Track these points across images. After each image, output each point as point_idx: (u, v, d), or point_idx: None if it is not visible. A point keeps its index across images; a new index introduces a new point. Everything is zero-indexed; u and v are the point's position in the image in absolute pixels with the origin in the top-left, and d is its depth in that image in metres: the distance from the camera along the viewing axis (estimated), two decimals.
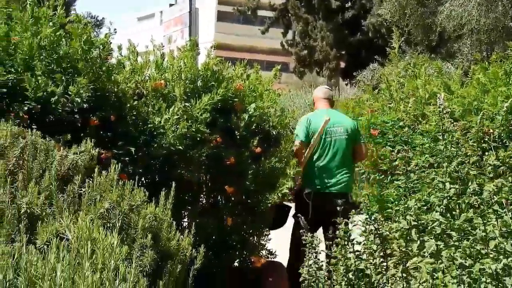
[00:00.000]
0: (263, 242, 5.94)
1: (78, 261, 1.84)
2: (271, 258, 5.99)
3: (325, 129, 5.99)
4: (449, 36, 19.89)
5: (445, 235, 3.44)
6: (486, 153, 4.50)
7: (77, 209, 2.92)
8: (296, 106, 17.22)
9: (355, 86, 23.77)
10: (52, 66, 4.65)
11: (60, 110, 4.42)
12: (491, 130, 4.98)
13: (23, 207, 2.67)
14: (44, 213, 2.75)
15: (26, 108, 4.35)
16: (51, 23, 4.75)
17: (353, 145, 6.45)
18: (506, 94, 5.48)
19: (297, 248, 5.97)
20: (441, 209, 3.57)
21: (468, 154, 4.07)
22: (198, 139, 4.99)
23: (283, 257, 6.17)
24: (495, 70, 6.31)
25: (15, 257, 1.73)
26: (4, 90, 4.38)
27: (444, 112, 3.93)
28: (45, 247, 2.34)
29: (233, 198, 5.55)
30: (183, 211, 5.16)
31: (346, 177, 6.31)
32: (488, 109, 5.59)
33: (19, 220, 2.52)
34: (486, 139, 4.69)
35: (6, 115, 4.04)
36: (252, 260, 5.58)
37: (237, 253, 5.70)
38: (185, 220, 5.23)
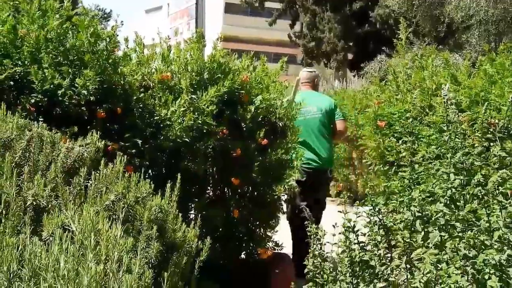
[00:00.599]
0: (269, 234, 5.95)
1: (82, 253, 1.86)
2: (277, 250, 6.00)
3: (299, 110, 6.14)
4: (457, 27, 19.84)
5: (449, 226, 3.44)
6: (492, 144, 4.49)
7: (83, 201, 2.93)
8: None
9: (362, 78, 23.73)
10: (59, 58, 4.66)
11: (67, 103, 4.44)
12: (497, 121, 4.97)
13: (29, 199, 2.69)
14: (50, 205, 2.77)
15: (33, 101, 4.37)
16: (57, 16, 4.76)
17: (330, 122, 7.17)
18: None
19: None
20: (445, 200, 3.57)
21: (474, 145, 4.07)
22: (205, 131, 5.00)
23: (290, 249, 6.18)
24: (502, 61, 6.28)
25: (19, 248, 1.75)
26: (11, 82, 4.40)
27: (449, 103, 3.92)
28: (51, 239, 2.36)
29: (239, 190, 5.56)
30: (189, 203, 5.17)
31: (323, 153, 7.06)
32: (495, 100, 5.58)
33: (25, 212, 2.53)
34: (492, 130, 4.68)
35: (13, 108, 4.06)
36: (259, 252, 5.59)
37: (243, 245, 5.71)
38: (192, 212, 5.25)
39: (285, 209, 6.07)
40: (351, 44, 33.50)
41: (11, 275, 1.64)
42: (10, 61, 4.39)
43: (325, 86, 22.17)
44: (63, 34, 4.72)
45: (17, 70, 4.43)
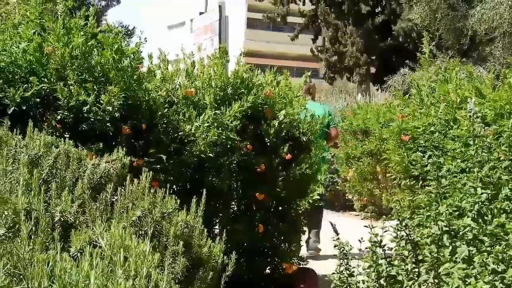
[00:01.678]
0: (294, 248, 5.94)
1: (111, 269, 1.87)
2: (302, 265, 5.98)
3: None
4: (480, 40, 19.71)
5: (477, 241, 3.41)
6: None
7: (109, 217, 2.95)
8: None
9: (385, 91, 23.66)
10: (84, 75, 4.71)
11: (92, 119, 4.47)
12: None
13: (56, 216, 2.71)
14: (77, 221, 2.79)
15: (59, 117, 4.42)
16: (82, 33, 4.81)
17: (326, 128, 8.02)
18: None
19: None
20: (473, 214, 3.54)
21: (500, 158, 4.04)
22: (229, 146, 5.02)
23: (314, 264, 6.16)
24: None
25: (50, 264, 1.76)
26: (38, 99, 4.45)
27: (475, 116, 3.90)
28: (78, 254, 2.38)
29: (264, 205, 5.56)
30: (214, 218, 5.18)
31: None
32: None
33: (53, 228, 2.56)
34: None
35: (39, 125, 4.10)
36: (284, 266, 5.58)
37: (268, 259, 5.70)
38: (216, 227, 5.26)
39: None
40: (373, 58, 33.43)
41: None
42: (36, 78, 4.44)
43: (348, 99, 22.13)
44: (88, 51, 4.77)
45: (43, 87, 4.48)
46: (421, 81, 7.64)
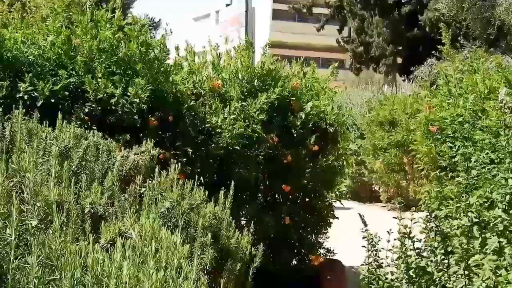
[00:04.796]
0: (321, 240, 5.94)
1: (142, 260, 1.88)
2: (329, 256, 5.98)
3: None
4: (508, 29, 19.47)
5: (508, 232, 3.38)
6: None
7: (138, 208, 2.97)
8: (352, 103, 17.11)
9: (412, 82, 23.48)
10: (112, 68, 4.74)
11: (120, 111, 4.50)
12: None
13: (86, 207, 2.74)
14: (107, 213, 2.81)
15: (87, 110, 4.46)
16: (109, 26, 4.83)
17: None
18: None
19: None
20: (504, 206, 3.50)
21: None
22: (255, 138, 5.02)
23: (341, 255, 6.15)
24: None
25: (82, 255, 1.78)
26: (66, 93, 4.49)
27: (506, 107, 3.86)
28: (108, 245, 2.40)
29: (290, 197, 5.56)
30: (241, 210, 5.19)
31: None
32: None
33: (83, 219, 2.58)
34: None
35: (68, 117, 4.14)
36: (311, 258, 5.58)
37: (295, 251, 5.71)
38: (243, 218, 5.27)
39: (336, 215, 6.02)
40: (400, 48, 33.23)
41: (75, 282, 1.68)
42: (65, 72, 4.48)
43: (374, 91, 22.00)
44: (116, 44, 4.80)
45: (71, 81, 4.52)
46: (448, 71, 7.56)
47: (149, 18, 36.11)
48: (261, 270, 3.73)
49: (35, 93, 4.35)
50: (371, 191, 14.55)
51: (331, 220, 5.96)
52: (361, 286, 3.72)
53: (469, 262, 3.32)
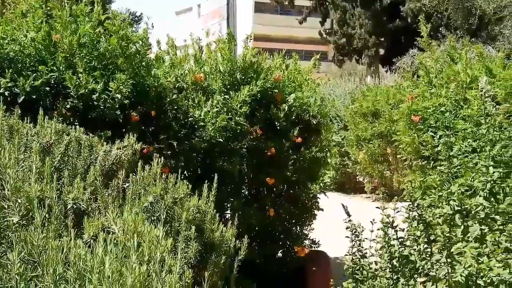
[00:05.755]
0: (306, 232, 5.95)
1: (125, 254, 1.88)
2: (314, 247, 5.99)
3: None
4: (489, 19, 19.60)
5: (489, 219, 3.41)
6: None
7: (121, 203, 2.96)
8: (336, 95, 17.13)
9: (395, 73, 23.60)
10: (93, 63, 4.71)
11: (102, 107, 4.48)
12: None
13: (69, 203, 2.73)
14: (89, 208, 2.80)
15: (68, 106, 4.43)
16: (88, 20, 4.81)
17: None
18: None
19: None
20: (485, 193, 3.54)
21: (511, 137, 4.02)
22: (238, 131, 5.02)
23: (327, 246, 6.17)
24: None
25: (64, 251, 1.77)
26: (47, 88, 4.46)
27: (486, 95, 3.89)
28: (92, 241, 2.39)
29: (274, 189, 5.57)
30: (225, 203, 5.19)
31: None
32: None
33: (66, 215, 2.57)
34: None
35: (50, 113, 4.11)
36: (296, 250, 5.59)
37: (280, 243, 5.72)
38: (228, 211, 5.27)
39: (321, 207, 6.04)
40: (382, 39, 33.34)
41: (57, 277, 1.67)
42: (45, 67, 4.45)
43: (357, 82, 22.06)
44: (96, 38, 4.77)
45: (52, 76, 4.49)
46: (429, 62, 7.60)
47: (130, 12, 35.97)
48: (247, 263, 3.74)
49: (16, 89, 4.32)
50: (355, 182, 14.64)
51: (315, 211, 5.97)
52: (346, 276, 3.74)
53: (452, 250, 3.34)
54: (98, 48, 4.75)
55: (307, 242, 5.92)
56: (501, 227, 3.37)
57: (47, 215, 2.11)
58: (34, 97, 4.37)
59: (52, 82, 4.51)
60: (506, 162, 3.68)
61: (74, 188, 2.82)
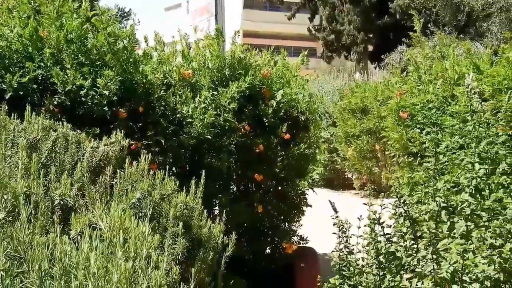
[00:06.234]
0: (294, 228, 5.97)
1: (111, 250, 1.88)
2: (303, 244, 6.01)
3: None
4: (477, 16, 19.67)
5: (475, 216, 3.43)
6: None
7: (109, 199, 2.96)
8: (324, 91, 17.15)
9: (383, 69, 23.66)
10: (81, 59, 4.70)
11: (90, 103, 4.47)
12: None
13: (56, 199, 2.72)
14: (77, 204, 2.80)
15: (56, 102, 4.41)
16: (76, 16, 4.79)
17: None
18: None
19: None
20: (471, 190, 3.56)
21: (498, 133, 4.05)
22: (227, 127, 5.02)
23: (315, 243, 6.18)
24: None
25: (50, 247, 1.77)
26: (35, 85, 4.44)
27: (472, 92, 3.90)
28: (79, 237, 2.39)
29: (263, 185, 5.58)
30: (213, 199, 5.19)
31: None
32: None
33: (53, 211, 2.57)
34: None
35: (37, 109, 4.10)
36: (284, 246, 5.60)
37: (268, 239, 5.73)
38: (216, 208, 5.27)
39: (309, 203, 6.05)
40: (371, 35, 33.40)
41: (43, 274, 1.67)
42: (32, 64, 4.43)
43: (346, 78, 22.09)
44: (84, 35, 4.75)
45: (40, 73, 4.48)
46: (418, 58, 7.62)
47: (119, 8, 35.85)
48: (236, 260, 3.74)
49: (3, 86, 4.31)
50: (344, 179, 14.66)
51: (304, 208, 5.98)
52: (333, 272, 3.75)
53: (438, 246, 3.36)
54: (85, 44, 4.73)
55: (295, 238, 5.93)
56: (486, 223, 3.39)
57: (33, 211, 2.11)
58: (22, 93, 4.35)
59: (40, 78, 4.50)
60: (492, 158, 3.71)
61: (61, 184, 2.82)
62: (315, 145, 6.09)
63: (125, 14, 35.43)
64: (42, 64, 4.57)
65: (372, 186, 10.85)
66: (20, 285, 1.75)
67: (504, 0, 16.99)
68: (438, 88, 6.39)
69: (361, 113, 12.76)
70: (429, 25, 21.57)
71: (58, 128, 3.46)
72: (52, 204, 2.69)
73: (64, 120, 4.08)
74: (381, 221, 3.63)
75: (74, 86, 4.43)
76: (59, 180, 2.87)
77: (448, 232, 3.43)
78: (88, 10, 4.86)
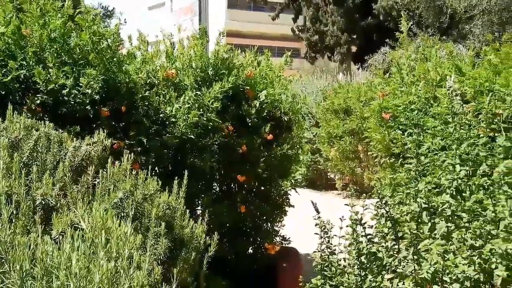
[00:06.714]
0: (277, 228, 5.98)
1: (93, 250, 1.88)
2: (285, 244, 6.02)
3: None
4: (460, 18, 19.80)
5: (455, 217, 3.45)
6: (497, 134, 4.49)
7: (91, 199, 2.95)
8: (307, 91, 17.17)
9: (366, 70, 23.75)
10: (64, 58, 4.68)
11: (72, 102, 4.45)
12: (502, 111, 4.96)
13: (38, 199, 2.71)
14: (58, 204, 2.79)
15: (38, 101, 4.39)
16: (59, 15, 4.77)
17: None
18: None
19: None
20: (451, 191, 3.58)
21: (479, 135, 4.08)
22: (210, 127, 5.02)
23: (297, 243, 6.20)
24: (506, 51, 6.26)
25: (31, 247, 1.77)
26: (17, 85, 4.42)
27: (454, 94, 3.93)
28: (60, 237, 2.38)
29: (246, 186, 5.58)
30: (196, 199, 5.19)
31: None
32: (499, 90, 5.56)
33: (34, 211, 2.56)
34: (497, 120, 4.68)
35: (19, 108, 4.07)
36: (266, 246, 5.61)
37: (251, 239, 5.73)
38: (199, 208, 5.27)
39: (292, 203, 6.06)
40: (354, 36, 33.51)
41: (24, 274, 1.67)
42: (15, 63, 4.41)
43: (329, 79, 22.14)
44: (67, 33, 4.73)
45: (22, 72, 4.45)
46: (401, 59, 7.66)
47: (103, 6, 35.71)
48: (218, 260, 3.74)
49: None
50: (326, 179, 14.69)
51: (286, 208, 6.00)
52: (315, 273, 3.76)
53: (419, 247, 3.38)
54: (69, 43, 4.71)
55: (278, 238, 5.94)
56: (467, 224, 3.42)
57: (14, 211, 2.10)
58: (3, 92, 4.33)
59: (22, 77, 4.47)
60: (473, 160, 3.74)
61: (43, 184, 2.81)
62: (298, 146, 6.10)
63: (109, 13, 35.30)
64: (24, 62, 4.54)
65: (354, 187, 10.89)
66: (1, 285, 1.74)
67: (487, 3, 17.11)
68: (420, 90, 6.42)
69: (344, 114, 12.79)
70: (412, 27, 21.68)
71: (40, 128, 3.45)
72: (34, 204, 2.67)
73: (47, 119, 4.06)
74: (363, 221, 3.65)
75: (56, 85, 4.41)
76: (41, 179, 2.85)
77: (429, 233, 3.45)
78: (71, 8, 4.84)
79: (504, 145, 3.86)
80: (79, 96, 4.45)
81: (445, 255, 3.17)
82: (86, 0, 5.06)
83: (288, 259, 5.79)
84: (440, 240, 3.33)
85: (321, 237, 3.78)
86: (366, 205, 3.70)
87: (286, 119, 5.61)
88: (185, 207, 3.50)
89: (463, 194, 3.59)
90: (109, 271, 1.77)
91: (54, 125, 3.67)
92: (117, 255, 1.95)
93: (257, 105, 5.34)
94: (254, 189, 5.71)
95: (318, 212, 3.84)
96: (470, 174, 3.70)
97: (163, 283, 2.74)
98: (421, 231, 3.49)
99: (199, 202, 5.24)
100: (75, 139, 3.53)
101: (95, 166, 3.22)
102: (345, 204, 3.82)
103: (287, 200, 6.00)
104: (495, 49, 6.55)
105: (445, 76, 6.38)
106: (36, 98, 4.39)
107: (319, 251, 3.78)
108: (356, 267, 3.56)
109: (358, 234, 3.60)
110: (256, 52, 6.00)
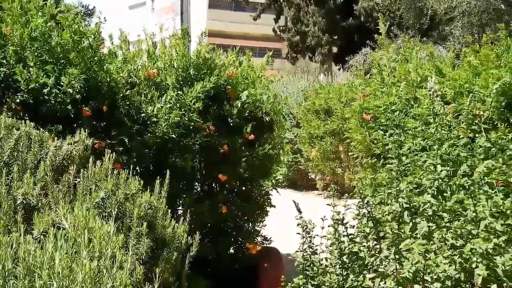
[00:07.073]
0: (258, 228, 5.98)
1: (76, 250, 1.87)
2: (266, 244, 6.02)
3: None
4: (440, 19, 19.93)
5: (436, 217, 3.48)
6: (477, 135, 4.53)
7: (72, 199, 2.94)
8: (289, 92, 17.20)
9: (347, 71, 23.83)
10: (44, 57, 4.65)
11: (53, 101, 4.43)
12: (482, 112, 5.01)
13: (18, 198, 2.70)
14: (40, 204, 2.78)
15: (18, 100, 4.36)
16: (40, 14, 4.74)
17: None
18: (497, 76, 5.49)
19: None
20: (433, 191, 3.61)
21: (459, 136, 4.11)
22: (191, 127, 5.01)
23: (279, 243, 6.20)
24: (486, 52, 6.31)
25: (13, 247, 1.76)
26: None
27: (435, 95, 3.96)
28: (42, 237, 2.37)
29: (227, 186, 5.58)
30: (178, 199, 5.18)
31: None
32: (479, 91, 5.60)
33: (15, 211, 2.54)
34: (477, 121, 4.72)
35: (0, 107, 4.05)
36: (248, 246, 5.61)
37: (232, 239, 5.73)
38: (180, 208, 5.26)
39: (273, 203, 6.06)
40: (335, 37, 33.59)
41: (6, 273, 1.65)
42: None
43: (311, 79, 22.18)
44: (48, 32, 4.71)
45: (2, 70, 4.42)
46: (382, 60, 7.69)
47: (83, 5, 35.53)
48: (200, 260, 3.74)
49: None
50: (307, 179, 14.73)
51: (268, 208, 6.00)
52: (297, 272, 3.77)
53: (400, 246, 3.40)
54: (50, 42, 4.68)
55: (259, 238, 5.94)
56: (447, 224, 3.45)
57: None
58: None
59: (2, 76, 4.44)
60: (453, 160, 3.77)
61: (24, 183, 2.79)
62: (279, 146, 6.11)
63: (89, 12, 35.15)
64: (4, 61, 4.51)
65: (335, 187, 10.88)
66: None
67: (466, 5, 17.24)
68: (401, 91, 6.46)
69: (325, 115, 12.83)
70: (392, 28, 21.80)
71: (21, 127, 3.43)
72: (15, 203, 2.66)
73: (27, 118, 4.03)
74: (344, 221, 3.67)
75: (37, 84, 4.39)
76: (22, 179, 2.84)
77: (410, 233, 3.48)
78: (53, 7, 4.81)
79: (484, 145, 3.90)
80: (60, 96, 4.42)
81: (426, 254, 3.20)
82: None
83: (269, 259, 5.79)
84: (422, 240, 3.35)
85: (303, 237, 3.79)
86: (348, 205, 3.71)
87: (267, 119, 5.61)
88: (166, 207, 3.49)
89: (444, 194, 3.62)
90: (92, 270, 1.77)
91: (35, 125, 3.65)
92: (100, 255, 1.94)
93: (239, 105, 5.34)
94: (236, 189, 5.71)
95: (300, 212, 3.85)
96: (451, 174, 3.73)
97: (146, 282, 2.74)
98: (403, 230, 3.52)
99: (181, 202, 5.24)
100: (56, 138, 3.51)
101: (77, 166, 3.21)
102: (326, 204, 3.83)
103: (269, 200, 6.01)
104: (474, 51, 6.60)
105: (426, 77, 6.42)
106: (16, 97, 4.36)
107: (301, 251, 3.79)
108: (338, 266, 3.57)
109: (340, 234, 3.62)
110: (238, 52, 6.00)
